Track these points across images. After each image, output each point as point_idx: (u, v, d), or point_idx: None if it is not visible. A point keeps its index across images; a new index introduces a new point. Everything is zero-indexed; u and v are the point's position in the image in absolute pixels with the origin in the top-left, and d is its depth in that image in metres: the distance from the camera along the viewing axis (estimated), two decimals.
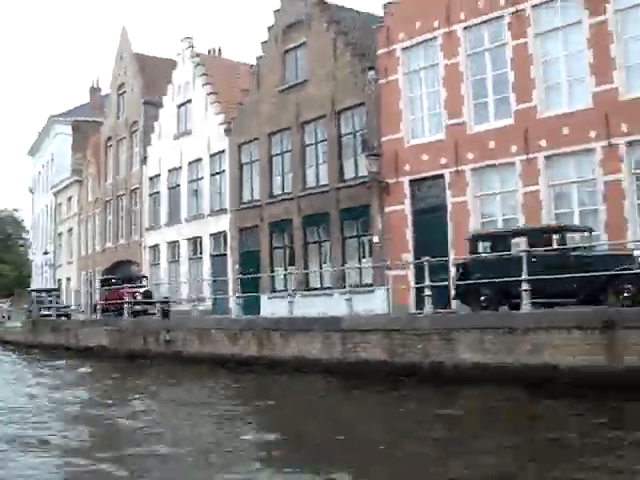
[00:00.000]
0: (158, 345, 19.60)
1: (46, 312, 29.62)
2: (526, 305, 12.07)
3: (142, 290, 24.80)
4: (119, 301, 23.69)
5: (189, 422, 10.97)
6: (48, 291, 34.43)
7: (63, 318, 29.29)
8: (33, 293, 33.90)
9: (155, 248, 30.71)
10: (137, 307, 23.75)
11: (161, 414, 12.02)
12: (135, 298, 23.94)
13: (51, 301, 30.45)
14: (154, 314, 22.74)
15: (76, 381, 16.80)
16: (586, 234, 14.70)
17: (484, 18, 18.38)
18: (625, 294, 11.50)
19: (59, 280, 42.29)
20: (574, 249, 13.34)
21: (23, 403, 13.25)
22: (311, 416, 11.25)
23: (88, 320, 26.49)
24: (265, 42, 25.20)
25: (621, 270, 11.75)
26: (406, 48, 20.19)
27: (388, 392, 12.26)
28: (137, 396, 13.70)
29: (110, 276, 29.19)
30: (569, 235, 14.31)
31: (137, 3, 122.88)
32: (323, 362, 14.58)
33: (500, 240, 14.52)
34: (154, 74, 32.01)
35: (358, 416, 10.80)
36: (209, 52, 33.83)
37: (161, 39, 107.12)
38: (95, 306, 26.82)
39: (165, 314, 22.59)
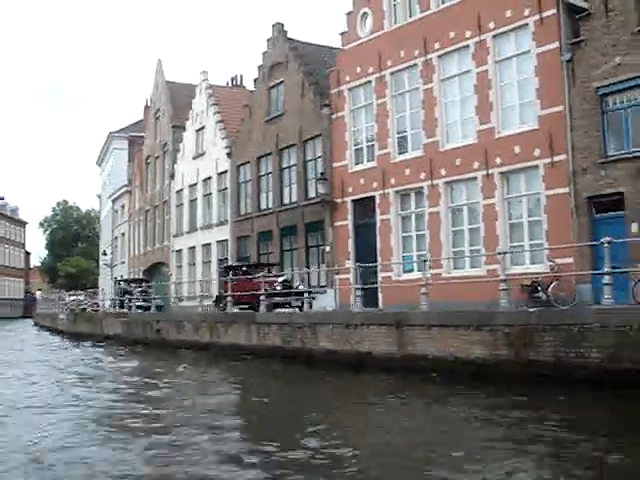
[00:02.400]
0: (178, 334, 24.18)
1: (138, 303, 28.88)
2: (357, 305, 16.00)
3: (281, 279, 21.14)
4: (253, 292, 20.27)
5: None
6: (137, 281, 33.52)
7: (152, 310, 27.24)
8: (122, 283, 33.85)
9: (179, 252, 35.79)
10: (277, 299, 20.50)
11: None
12: (274, 289, 20.58)
13: (144, 292, 29.99)
14: (299, 307, 21.09)
15: None
16: None
17: (404, 65, 22.05)
18: None
19: (115, 278, 48.38)
20: None
21: None
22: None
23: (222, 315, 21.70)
24: (256, 79, 29.62)
25: None
26: (351, 89, 24.08)
27: (277, 365, 16.48)
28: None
29: (239, 263, 26.40)
30: None
31: (190, 32, 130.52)
32: (244, 346, 18.89)
33: None
34: (182, 100, 36.93)
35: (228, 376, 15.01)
36: (232, 80, 38.49)
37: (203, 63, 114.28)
38: (219, 298, 23.40)
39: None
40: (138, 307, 28.84)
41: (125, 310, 30.00)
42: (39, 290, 73.01)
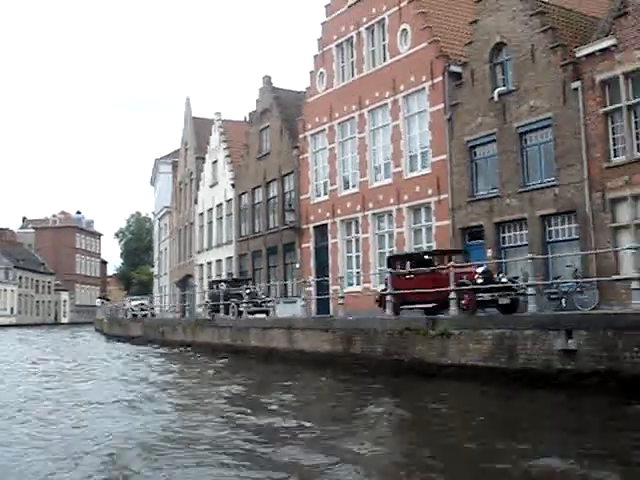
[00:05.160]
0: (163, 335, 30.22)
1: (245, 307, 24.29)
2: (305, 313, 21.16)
3: (480, 270, 16.00)
4: (438, 289, 15.51)
5: None
6: (237, 282, 28.68)
7: (264, 316, 24.47)
8: (223, 285, 27.97)
9: (202, 266, 41.88)
10: (483, 295, 15.22)
11: None
12: (475, 282, 15.42)
13: (251, 293, 25.36)
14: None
15: None
16: None
17: (346, 117, 27.13)
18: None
19: (160, 287, 55.22)
20: None
21: None
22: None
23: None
24: (250, 122, 35.29)
25: None
26: (312, 135, 29.33)
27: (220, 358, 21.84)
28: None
29: (406, 252, 21.64)
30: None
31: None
32: (217, 345, 24.39)
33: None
34: (207, 134, 42.90)
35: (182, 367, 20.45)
36: (249, 114, 44.14)
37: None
38: (382, 298, 17.71)
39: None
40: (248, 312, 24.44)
41: (230, 316, 25.31)
42: (99, 298, 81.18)
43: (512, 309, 15.19)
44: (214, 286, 28.92)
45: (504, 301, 15.43)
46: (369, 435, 9.35)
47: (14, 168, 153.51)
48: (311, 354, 18.15)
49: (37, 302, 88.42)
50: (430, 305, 16.14)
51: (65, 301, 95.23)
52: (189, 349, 25.83)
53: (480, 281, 15.54)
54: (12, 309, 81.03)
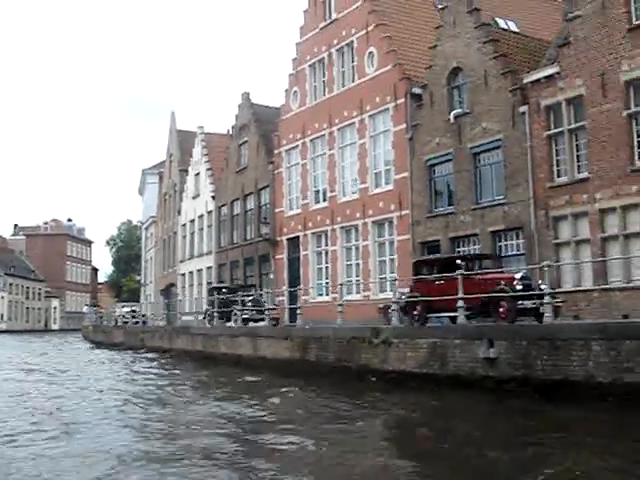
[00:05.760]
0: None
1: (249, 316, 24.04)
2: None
3: (519, 275, 15.00)
4: (480, 295, 14.57)
5: None
6: (239, 288, 27.56)
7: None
8: (224, 291, 27.10)
9: (184, 275, 42.95)
10: (524, 303, 14.16)
11: None
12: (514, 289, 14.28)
13: (254, 300, 24.73)
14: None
15: None
16: None
17: (317, 135, 28.34)
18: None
19: (146, 296, 56.24)
20: None
21: None
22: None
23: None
24: (231, 136, 36.47)
25: None
26: (286, 151, 30.52)
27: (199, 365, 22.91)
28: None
29: (447, 255, 20.20)
30: None
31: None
32: (191, 351, 25.44)
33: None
34: (190, 147, 44.07)
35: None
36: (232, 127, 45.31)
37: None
38: (405, 307, 17.09)
39: None
40: (245, 320, 24.07)
41: (232, 324, 24.75)
42: (86, 305, 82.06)
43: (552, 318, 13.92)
44: (214, 292, 27.71)
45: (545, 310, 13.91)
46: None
47: (6, 175, 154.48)
48: (272, 360, 19.26)
49: (27, 309, 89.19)
50: (464, 313, 14.78)
51: (55, 308, 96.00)
52: (165, 355, 26.92)
53: (519, 287, 14.36)
54: (2, 315, 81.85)
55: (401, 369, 14.73)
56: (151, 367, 23.49)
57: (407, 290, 17.88)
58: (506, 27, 29.10)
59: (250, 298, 25.07)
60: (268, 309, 24.07)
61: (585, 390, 11.39)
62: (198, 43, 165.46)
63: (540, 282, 15.11)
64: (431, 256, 20.82)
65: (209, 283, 38.11)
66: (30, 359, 28.74)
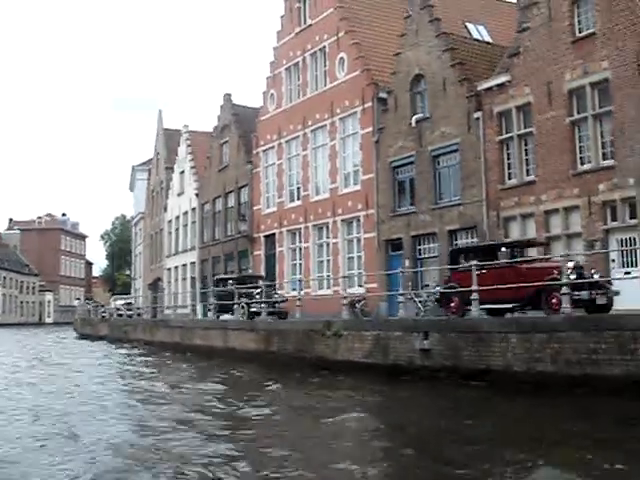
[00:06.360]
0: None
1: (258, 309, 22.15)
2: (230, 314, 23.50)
3: (572, 264, 13.79)
4: (520, 286, 13.72)
5: None
6: (247, 279, 25.80)
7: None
8: (230, 282, 24.88)
9: (170, 270, 44.14)
10: (580, 293, 13.20)
11: None
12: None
13: (263, 292, 22.72)
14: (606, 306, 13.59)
15: None
16: None
17: (292, 136, 29.50)
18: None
19: (135, 289, 57.45)
20: None
21: None
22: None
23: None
24: (213, 135, 37.60)
25: None
26: (264, 151, 31.68)
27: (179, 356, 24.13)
28: None
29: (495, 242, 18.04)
30: None
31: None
32: (169, 343, 26.62)
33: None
34: (176, 145, 45.14)
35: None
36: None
37: None
38: (442, 297, 16.49)
39: None
40: (252, 313, 22.46)
41: (239, 317, 22.58)
42: (77, 299, 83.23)
43: (607, 309, 13.47)
44: (220, 284, 26.06)
45: (602, 300, 13.44)
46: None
47: (1, 170, 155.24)
48: (240, 351, 20.48)
49: (21, 302, 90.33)
50: (510, 305, 14.16)
51: (49, 302, 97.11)
52: (145, 346, 28.14)
53: (573, 277, 13.35)
54: None
55: (350, 359, 15.94)
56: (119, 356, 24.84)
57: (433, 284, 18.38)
58: (476, 32, 30.39)
59: (258, 290, 23.26)
60: (277, 302, 22.42)
61: (505, 378, 12.63)
62: (190, 43, 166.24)
63: (593, 271, 14.19)
64: (470, 244, 19.71)
65: (192, 278, 39.34)
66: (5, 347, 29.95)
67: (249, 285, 23.91)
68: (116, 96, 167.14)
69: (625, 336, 10.96)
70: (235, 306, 22.60)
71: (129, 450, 8.65)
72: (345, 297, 19.05)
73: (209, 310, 25.98)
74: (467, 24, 30.25)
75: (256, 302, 22.30)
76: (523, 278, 13.97)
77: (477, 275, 14.55)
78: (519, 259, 15.38)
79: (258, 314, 21.86)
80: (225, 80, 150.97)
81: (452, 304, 15.82)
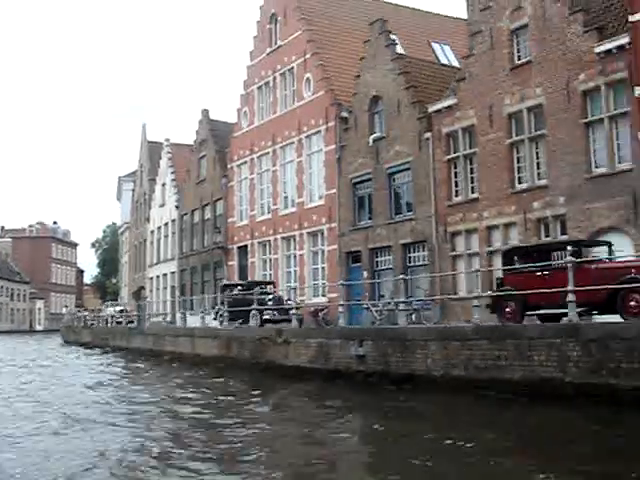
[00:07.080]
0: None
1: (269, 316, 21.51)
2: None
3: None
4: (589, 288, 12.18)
5: None
6: (258, 285, 24.94)
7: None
8: (240, 288, 24.84)
9: (152, 279, 45.43)
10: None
11: None
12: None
13: (274, 298, 22.44)
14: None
15: None
16: None
17: (263, 152, 30.90)
18: None
19: (122, 297, 58.67)
20: None
21: None
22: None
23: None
24: (192, 149, 38.98)
25: None
26: (238, 166, 33.06)
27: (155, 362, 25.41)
28: None
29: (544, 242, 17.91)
30: None
31: None
32: (144, 349, 27.82)
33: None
34: (159, 158, 46.45)
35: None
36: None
37: None
38: (495, 301, 14.72)
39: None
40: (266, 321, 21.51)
41: (252, 324, 21.20)
42: (65, 307, 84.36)
43: None
44: (227, 290, 25.70)
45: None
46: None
47: None
48: (204, 357, 21.80)
49: (12, 310, 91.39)
50: (578, 310, 12.27)
51: (40, 309, 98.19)
52: (122, 352, 29.44)
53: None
54: None
55: (297, 364, 17.27)
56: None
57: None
58: (440, 51, 31.91)
59: (270, 297, 22.72)
60: (291, 308, 20.37)
61: (426, 382, 13.96)
62: (178, 55, 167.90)
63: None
64: (526, 244, 17.76)
65: (172, 287, 40.62)
66: None
67: (261, 291, 23.17)
68: (107, 105, 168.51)
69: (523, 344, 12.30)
70: (252, 312, 21.21)
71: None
72: (309, 306, 20.29)
73: (220, 317, 23.68)
74: (432, 43, 31.81)
75: (268, 309, 21.50)
76: (590, 280, 12.36)
77: (538, 277, 13.61)
78: (584, 259, 13.71)
79: (270, 321, 21.10)
80: (210, 94, 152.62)
81: (507, 309, 14.19)
